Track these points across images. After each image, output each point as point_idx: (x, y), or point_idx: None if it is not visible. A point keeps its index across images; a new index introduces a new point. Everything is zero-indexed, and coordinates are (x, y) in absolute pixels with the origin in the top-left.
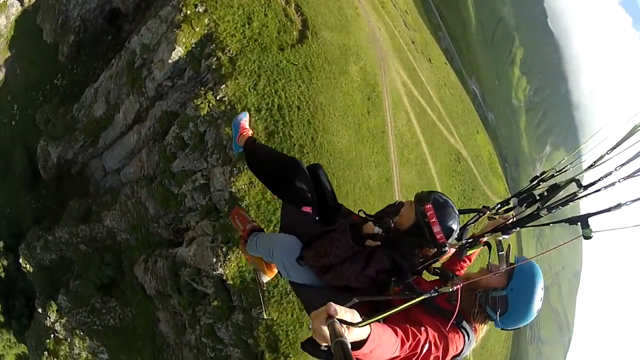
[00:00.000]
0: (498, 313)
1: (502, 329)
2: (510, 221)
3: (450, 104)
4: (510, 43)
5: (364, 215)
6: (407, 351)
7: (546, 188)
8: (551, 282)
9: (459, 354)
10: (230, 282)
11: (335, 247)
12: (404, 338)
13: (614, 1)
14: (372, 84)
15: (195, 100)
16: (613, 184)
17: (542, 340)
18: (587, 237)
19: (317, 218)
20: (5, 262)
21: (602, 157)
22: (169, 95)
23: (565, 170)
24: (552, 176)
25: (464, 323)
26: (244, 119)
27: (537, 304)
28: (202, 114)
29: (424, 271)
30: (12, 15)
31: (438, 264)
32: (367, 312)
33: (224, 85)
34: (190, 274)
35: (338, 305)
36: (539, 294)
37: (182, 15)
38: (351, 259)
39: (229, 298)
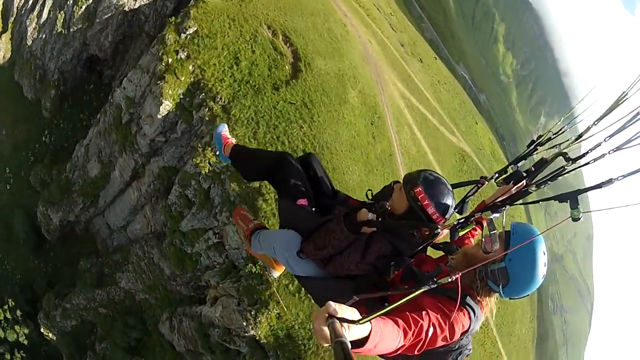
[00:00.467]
0: (500, 285)
1: (510, 298)
2: (499, 200)
3: (447, 102)
4: (491, 21)
5: (358, 200)
6: (412, 339)
7: (533, 164)
8: (565, 250)
9: (467, 331)
10: (264, 340)
11: (332, 238)
12: (406, 327)
13: None
14: (373, 105)
15: (194, 159)
16: (602, 156)
17: (565, 309)
18: (576, 219)
19: (313, 209)
20: (26, 330)
21: (589, 128)
22: (164, 150)
23: (562, 132)
24: (550, 139)
25: (468, 299)
26: (224, 130)
27: (540, 269)
28: (203, 172)
29: (429, 247)
30: None
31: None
32: (368, 307)
33: None
34: (221, 334)
35: (337, 304)
36: (541, 259)
37: (163, 64)
38: (350, 248)
39: (264, 355)
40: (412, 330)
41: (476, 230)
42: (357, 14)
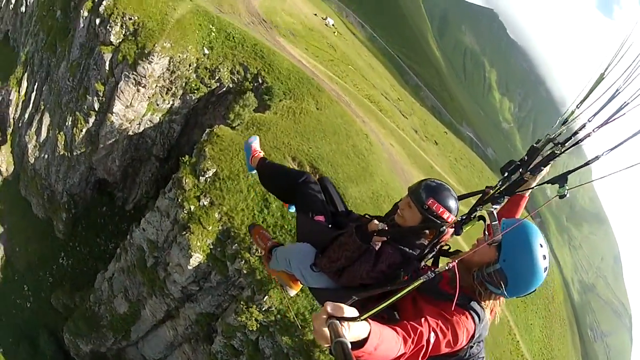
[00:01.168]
0: (502, 287)
1: (516, 297)
2: (497, 190)
3: (467, 179)
4: (482, 69)
5: (370, 217)
6: (412, 346)
7: (525, 153)
8: (596, 277)
9: (473, 335)
10: None
11: (345, 250)
12: (405, 335)
13: None
14: None
15: (239, 316)
16: (588, 135)
17: (605, 334)
18: (562, 196)
19: (330, 225)
20: None
21: (572, 112)
22: (200, 298)
23: (559, 134)
24: (550, 140)
25: (473, 304)
26: (255, 142)
27: (539, 264)
28: (251, 329)
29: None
30: None
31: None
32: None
33: (266, 297)
34: None
35: (337, 304)
36: (538, 252)
37: (185, 212)
38: (361, 258)
39: None
40: (412, 337)
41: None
42: (372, 114)
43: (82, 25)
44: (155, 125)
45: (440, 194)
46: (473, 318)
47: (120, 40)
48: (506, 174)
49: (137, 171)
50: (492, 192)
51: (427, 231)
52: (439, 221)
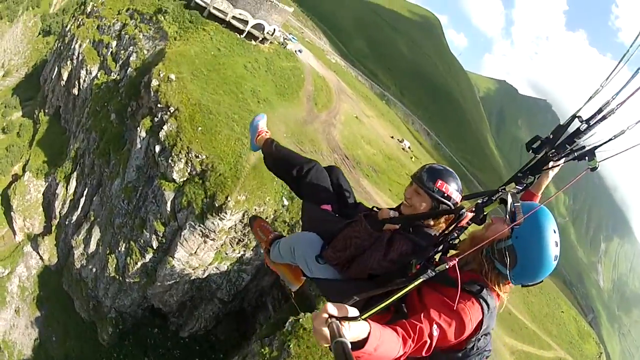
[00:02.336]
0: (508, 266)
1: (522, 285)
2: (525, 169)
3: (538, 309)
4: None
5: (378, 209)
6: (413, 345)
7: (551, 131)
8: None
9: (480, 324)
10: None
11: (354, 238)
12: (405, 335)
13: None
14: None
15: None
16: (612, 111)
17: None
18: (594, 169)
19: (337, 215)
20: None
21: (597, 91)
22: None
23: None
24: (575, 116)
25: (484, 293)
26: (262, 121)
27: (550, 249)
28: None
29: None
30: (33, 268)
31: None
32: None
33: None
34: None
35: (337, 304)
36: (551, 237)
37: None
38: (372, 248)
39: None
40: (412, 337)
41: None
42: None
43: (139, 145)
44: (222, 272)
45: (446, 176)
46: (481, 305)
47: (185, 179)
48: (532, 152)
49: (197, 305)
50: (507, 192)
51: (441, 219)
52: (449, 202)
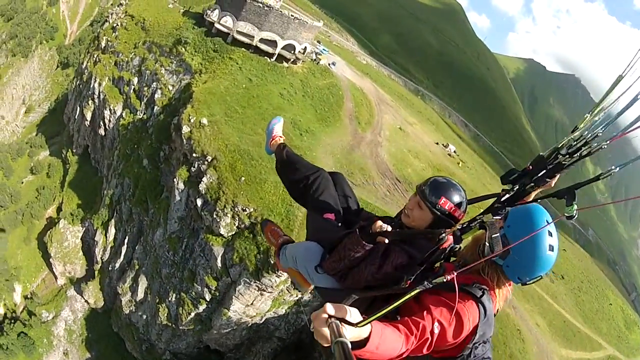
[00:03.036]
0: (502, 256)
1: (522, 284)
2: (502, 199)
3: (589, 306)
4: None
5: (380, 217)
6: (415, 342)
7: (530, 162)
8: None
9: (476, 328)
10: None
11: (348, 250)
12: (407, 332)
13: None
14: None
15: None
16: (600, 147)
17: None
18: (570, 217)
19: (339, 224)
20: None
21: (584, 119)
22: None
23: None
24: (556, 149)
25: (484, 297)
26: (278, 125)
27: (543, 237)
28: None
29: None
30: (79, 311)
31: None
32: (369, 308)
33: None
34: None
35: (337, 304)
36: (543, 222)
37: None
38: (367, 259)
39: None
40: (414, 333)
41: None
42: None
43: (178, 197)
44: (280, 316)
45: (450, 192)
46: (479, 307)
47: (233, 233)
48: (509, 185)
49: (254, 343)
50: (507, 194)
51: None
52: (451, 220)
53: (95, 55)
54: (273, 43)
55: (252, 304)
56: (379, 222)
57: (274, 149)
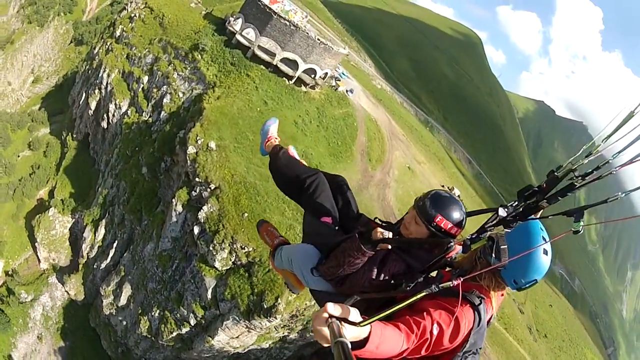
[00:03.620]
0: (499, 258)
1: (518, 289)
2: (514, 214)
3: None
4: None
5: (380, 222)
6: (416, 340)
7: (544, 181)
8: None
9: (472, 329)
10: None
11: (347, 256)
12: (408, 331)
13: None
14: None
15: None
16: (611, 172)
17: None
18: (576, 232)
19: (337, 228)
20: None
21: (598, 146)
22: None
23: (581, 164)
24: (571, 171)
25: (481, 306)
26: (273, 126)
27: (539, 240)
28: None
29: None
30: (58, 299)
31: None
32: (369, 308)
33: None
34: None
35: (338, 304)
36: (539, 233)
37: None
38: (365, 266)
39: None
40: (415, 332)
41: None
42: None
43: (174, 218)
44: (263, 349)
45: (447, 209)
46: (474, 314)
47: (228, 268)
48: (522, 200)
49: None
50: (505, 216)
51: (434, 245)
52: (445, 236)
53: (108, 43)
54: (294, 64)
55: (237, 337)
56: (380, 230)
57: (270, 149)
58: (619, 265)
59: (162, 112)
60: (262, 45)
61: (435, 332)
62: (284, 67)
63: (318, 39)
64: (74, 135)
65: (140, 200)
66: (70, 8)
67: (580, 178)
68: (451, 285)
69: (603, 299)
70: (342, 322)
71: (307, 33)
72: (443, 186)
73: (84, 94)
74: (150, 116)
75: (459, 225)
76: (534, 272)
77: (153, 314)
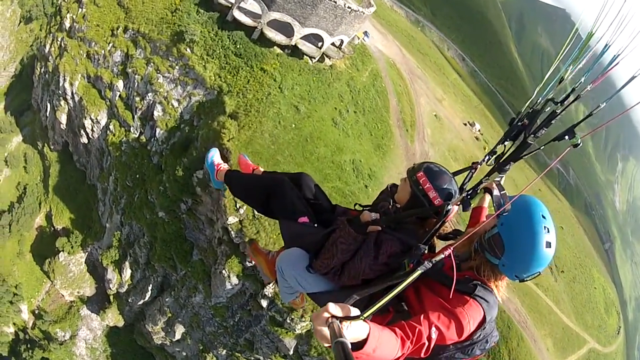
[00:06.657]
0: (496, 255)
1: (519, 280)
2: (504, 157)
3: (579, 299)
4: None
5: (360, 208)
6: (411, 346)
7: (525, 118)
8: None
9: (482, 323)
10: None
11: (340, 244)
12: (403, 337)
13: None
14: None
15: None
16: (584, 90)
17: None
18: (576, 145)
19: (315, 225)
20: None
21: (566, 70)
22: None
23: (537, 105)
24: (549, 100)
25: (478, 289)
26: (215, 155)
27: (539, 234)
28: None
29: (436, 239)
30: (98, 329)
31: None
32: (369, 307)
33: None
34: None
35: (338, 304)
36: (539, 221)
37: None
38: (360, 252)
39: None
40: (410, 339)
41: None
42: None
43: (229, 286)
44: None
45: (434, 174)
46: (480, 304)
47: (308, 329)
48: (506, 140)
49: None
50: (479, 165)
51: (423, 216)
52: (425, 201)
53: (59, 39)
54: (317, 39)
55: None
56: (367, 212)
57: (223, 178)
58: (609, 155)
59: (157, 129)
60: (276, 19)
61: (434, 336)
62: (305, 47)
63: (348, 7)
64: (52, 147)
65: (168, 247)
66: None
67: (560, 104)
68: (443, 255)
69: (595, 188)
70: (342, 321)
71: (335, 2)
72: (465, 124)
73: (48, 104)
74: (141, 133)
75: (439, 192)
76: (537, 267)
77: (219, 352)
